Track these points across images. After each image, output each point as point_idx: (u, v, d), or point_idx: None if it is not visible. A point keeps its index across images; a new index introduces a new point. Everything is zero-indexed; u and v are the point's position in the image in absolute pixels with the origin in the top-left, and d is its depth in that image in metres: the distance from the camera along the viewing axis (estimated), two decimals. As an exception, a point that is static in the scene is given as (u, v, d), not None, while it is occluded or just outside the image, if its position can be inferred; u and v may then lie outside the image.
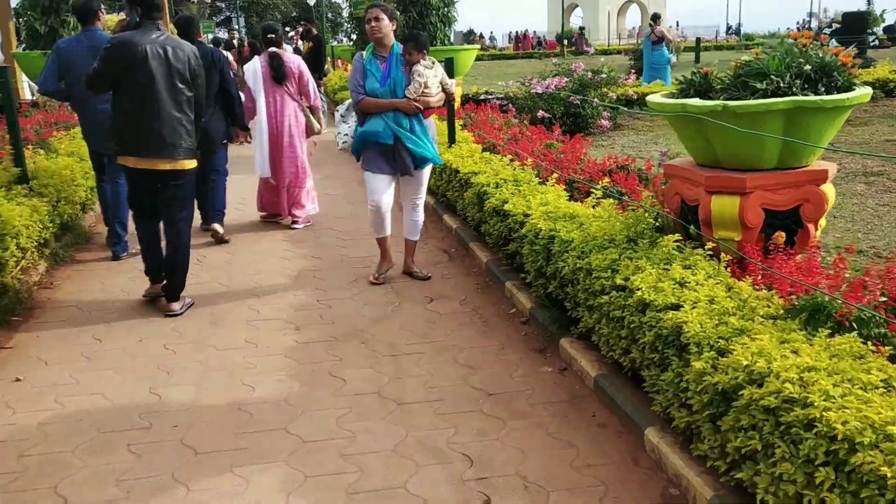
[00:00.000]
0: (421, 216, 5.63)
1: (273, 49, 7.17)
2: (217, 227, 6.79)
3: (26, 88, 12.79)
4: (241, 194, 8.46)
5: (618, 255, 3.79)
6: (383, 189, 5.36)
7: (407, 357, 4.31)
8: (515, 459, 3.24)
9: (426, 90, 5.22)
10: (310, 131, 7.40)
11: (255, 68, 7.16)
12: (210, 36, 23.00)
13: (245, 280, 5.77)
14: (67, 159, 7.25)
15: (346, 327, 4.79)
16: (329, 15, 58.07)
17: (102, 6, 6.14)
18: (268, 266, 6.10)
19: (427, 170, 5.47)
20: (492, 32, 52.93)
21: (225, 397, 3.88)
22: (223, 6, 61.01)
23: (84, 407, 3.81)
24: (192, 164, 5.01)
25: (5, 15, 11.57)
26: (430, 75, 5.23)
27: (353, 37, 18.28)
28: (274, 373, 4.15)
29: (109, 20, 16.48)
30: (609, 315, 3.61)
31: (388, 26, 5.17)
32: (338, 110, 5.70)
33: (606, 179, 5.41)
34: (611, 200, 4.71)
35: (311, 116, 7.36)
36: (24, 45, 12.40)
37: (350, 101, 5.49)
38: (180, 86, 4.85)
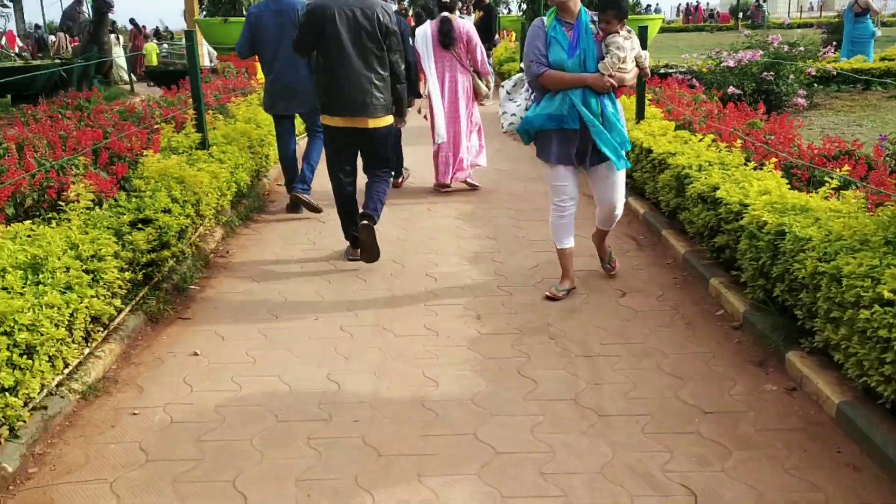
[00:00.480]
0: (620, 208, 4.67)
1: (445, 14, 7.07)
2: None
3: (206, 55, 13.16)
4: (412, 165, 8.18)
5: (878, 261, 3.14)
6: (570, 183, 4.56)
7: (603, 359, 3.85)
8: (748, 499, 2.72)
9: (622, 65, 4.31)
10: (478, 95, 7.35)
11: (425, 32, 7.11)
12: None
13: (420, 259, 5.46)
14: (245, 125, 7.22)
15: (532, 319, 4.37)
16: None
17: None
18: (442, 245, 5.77)
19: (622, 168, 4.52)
20: (657, 4, 50.53)
21: (407, 391, 3.57)
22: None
23: (261, 389, 3.61)
24: (385, 120, 5.16)
25: (190, -17, 11.88)
26: (627, 48, 4.34)
27: (524, 6, 17.65)
28: (457, 366, 3.80)
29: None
30: (867, 333, 2.99)
31: None
32: (503, 86, 4.83)
33: (831, 166, 4.69)
34: (854, 192, 4.01)
35: (479, 80, 7.29)
36: (205, 13, 12.72)
37: (519, 75, 4.73)
38: (369, 44, 4.96)
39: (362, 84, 4.96)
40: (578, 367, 3.76)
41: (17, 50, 20.90)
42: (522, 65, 4.60)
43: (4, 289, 3.22)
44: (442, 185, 7.41)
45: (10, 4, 47.71)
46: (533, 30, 4.44)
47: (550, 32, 4.35)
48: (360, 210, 5.25)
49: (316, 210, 6.49)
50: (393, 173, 5.61)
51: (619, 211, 4.68)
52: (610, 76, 4.27)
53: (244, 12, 11.31)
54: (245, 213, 6.54)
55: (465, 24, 7.20)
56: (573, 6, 4.33)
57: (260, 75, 10.88)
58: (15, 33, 28.21)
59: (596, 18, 4.35)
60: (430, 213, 6.73)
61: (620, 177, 4.55)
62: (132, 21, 28.60)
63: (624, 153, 4.44)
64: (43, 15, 52.47)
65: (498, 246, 5.72)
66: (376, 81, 5.00)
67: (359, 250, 5.20)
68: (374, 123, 5.08)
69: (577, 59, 4.29)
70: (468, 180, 7.45)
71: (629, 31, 4.39)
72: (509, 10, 28.23)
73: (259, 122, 7.66)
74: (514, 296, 4.73)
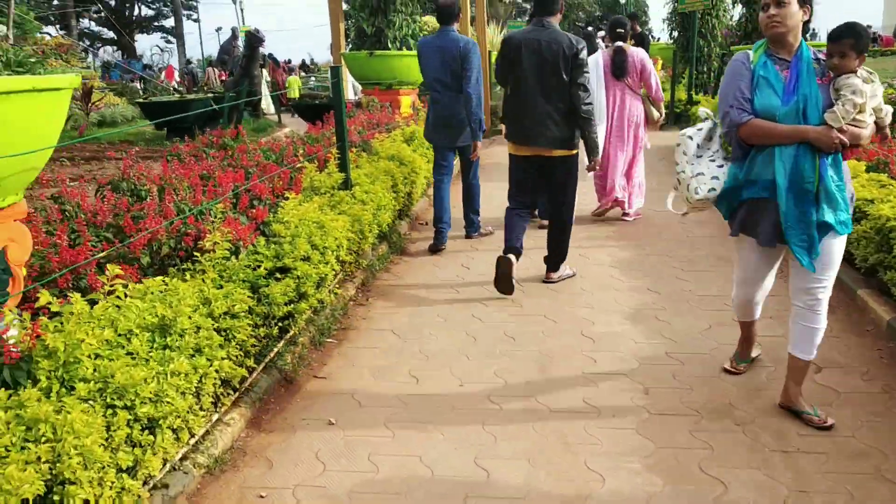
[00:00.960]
0: (821, 320, 3.43)
1: (619, 44, 7.07)
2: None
3: (350, 88, 13.20)
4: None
5: None
6: (763, 274, 3.66)
7: (805, 457, 3.18)
8: None
9: (858, 116, 3.19)
10: (649, 121, 7.35)
11: (596, 62, 7.03)
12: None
13: (574, 315, 4.93)
14: (388, 163, 6.95)
15: (710, 397, 3.75)
16: (631, 10, 56.37)
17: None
18: (598, 299, 5.21)
19: (841, 242, 3.35)
20: (813, 29, 47.81)
21: (567, 486, 3.04)
22: (528, 7, 61.76)
23: (400, 473, 3.18)
24: (565, 152, 5.24)
25: (336, 16, 11.93)
26: (867, 93, 3.19)
27: (674, 34, 16.84)
28: (625, 457, 3.24)
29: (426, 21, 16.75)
30: None
31: (796, 14, 3.25)
32: (684, 136, 3.68)
33: None
34: None
35: (652, 106, 7.30)
36: (350, 46, 12.78)
37: (706, 123, 3.65)
38: (553, 77, 5.09)
39: (543, 116, 5.13)
40: (776, 467, 3.12)
41: (174, 84, 21.99)
42: (703, 112, 3.73)
43: (130, 354, 2.95)
44: (602, 212, 7.47)
45: (174, 41, 51.13)
46: (733, 67, 3.43)
47: (759, 71, 3.32)
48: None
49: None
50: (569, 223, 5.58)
51: (821, 313, 3.43)
52: (840, 130, 3.17)
53: (389, 46, 11.22)
54: (386, 255, 6.23)
55: (639, 52, 7.17)
56: (792, 39, 3.30)
57: (403, 108, 10.74)
58: (175, 68, 29.87)
59: (821, 56, 3.32)
60: (582, 258, 6.18)
61: (836, 252, 3.34)
62: (271, 56, 29.67)
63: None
64: (202, 49, 55.75)
65: (662, 301, 5.10)
66: (555, 115, 5.13)
67: (495, 275, 5.23)
68: (553, 153, 5.24)
69: (795, 107, 3.22)
70: (626, 212, 7.41)
71: (870, 73, 3.25)
72: (657, 38, 27.31)
73: (402, 158, 7.38)
74: (686, 365, 4.12)
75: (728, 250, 5.93)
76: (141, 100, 15.65)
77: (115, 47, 51.16)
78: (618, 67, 6.97)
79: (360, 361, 4.33)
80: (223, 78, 19.93)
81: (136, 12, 51.68)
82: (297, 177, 5.63)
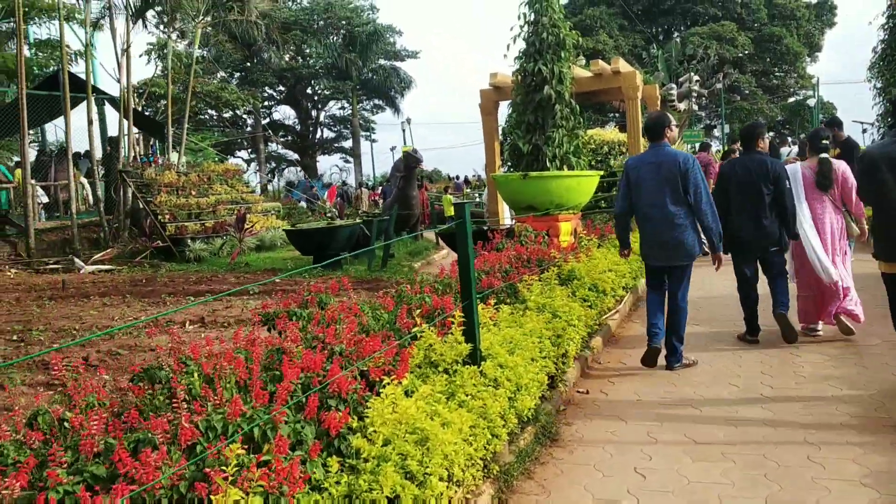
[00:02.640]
0: None
1: (824, 155, 6.85)
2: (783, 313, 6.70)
3: (507, 215, 11.95)
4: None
5: None
6: None
7: None
8: None
9: None
10: (849, 234, 7.05)
11: (794, 172, 6.88)
12: (698, 143, 21.21)
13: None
14: (536, 319, 5.40)
15: None
16: (821, 116, 52.77)
17: (673, 123, 6.26)
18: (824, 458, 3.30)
19: None
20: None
21: None
22: (703, 114, 59.44)
23: None
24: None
25: (491, 135, 10.80)
26: None
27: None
28: None
29: (605, 135, 15.40)
30: None
31: None
32: None
33: None
34: None
35: (851, 219, 7.02)
36: (507, 165, 11.60)
37: None
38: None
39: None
40: None
41: (329, 205, 21.76)
42: None
43: None
44: (809, 326, 6.98)
45: (352, 160, 53.01)
46: None
47: None
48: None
49: None
50: None
51: None
52: None
53: (548, 165, 9.87)
54: (529, 449, 4.58)
55: (841, 164, 6.91)
56: None
57: (563, 236, 9.22)
58: (337, 189, 30.17)
59: None
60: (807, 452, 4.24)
61: None
62: (428, 176, 29.31)
63: None
64: (373, 167, 57.58)
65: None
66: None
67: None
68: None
69: None
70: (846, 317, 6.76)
71: None
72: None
73: (556, 309, 5.82)
74: None
75: None
76: (288, 227, 15.19)
77: (298, 167, 53.79)
78: (824, 178, 6.76)
79: None
80: (374, 198, 19.42)
81: (318, 135, 54.40)
82: (404, 353, 4.15)
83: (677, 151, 6.04)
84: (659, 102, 24.88)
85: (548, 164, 9.85)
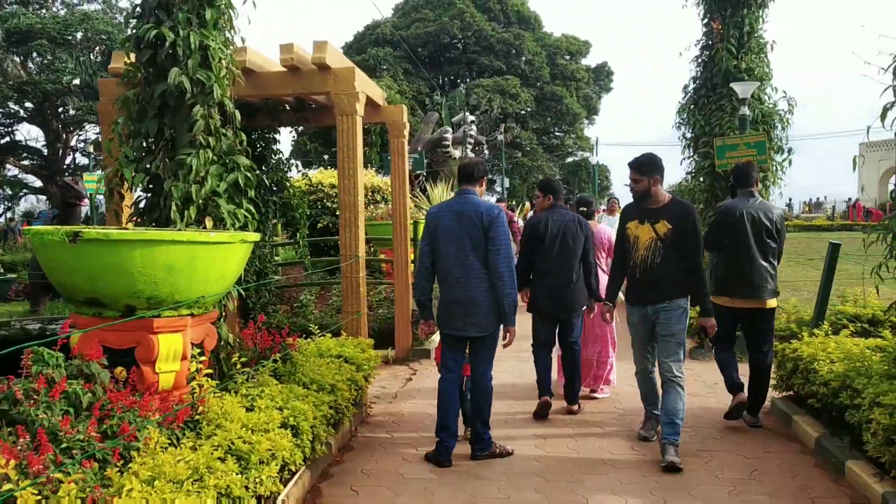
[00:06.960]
0: None
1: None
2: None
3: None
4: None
5: None
6: None
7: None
8: None
9: None
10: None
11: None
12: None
13: None
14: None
15: None
16: (598, 179, 52.70)
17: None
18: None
19: None
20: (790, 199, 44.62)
21: None
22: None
23: None
24: (773, 302, 5.99)
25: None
26: None
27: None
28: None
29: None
30: None
31: None
32: None
33: None
34: None
35: None
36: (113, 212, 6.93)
37: None
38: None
39: (761, 272, 5.82)
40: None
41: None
42: None
43: None
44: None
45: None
46: None
47: None
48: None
49: None
50: None
51: None
52: None
53: (172, 216, 5.24)
54: None
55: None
56: None
57: (163, 365, 4.54)
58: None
59: None
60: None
61: None
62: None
63: None
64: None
65: None
66: (771, 270, 5.90)
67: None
68: (767, 304, 5.92)
69: None
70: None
71: None
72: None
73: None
74: None
75: None
76: None
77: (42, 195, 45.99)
78: None
79: None
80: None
81: (69, 160, 46.93)
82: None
83: (481, 201, 5.33)
84: (423, 146, 21.02)
85: (173, 212, 5.22)
